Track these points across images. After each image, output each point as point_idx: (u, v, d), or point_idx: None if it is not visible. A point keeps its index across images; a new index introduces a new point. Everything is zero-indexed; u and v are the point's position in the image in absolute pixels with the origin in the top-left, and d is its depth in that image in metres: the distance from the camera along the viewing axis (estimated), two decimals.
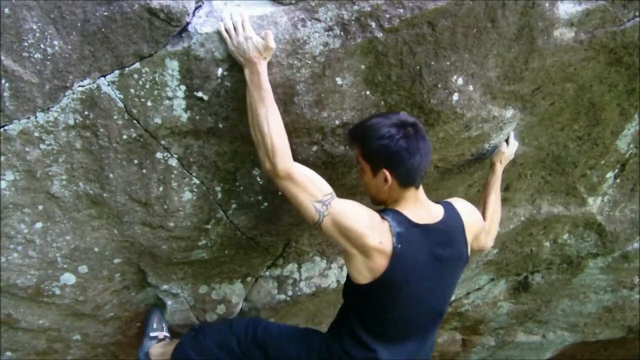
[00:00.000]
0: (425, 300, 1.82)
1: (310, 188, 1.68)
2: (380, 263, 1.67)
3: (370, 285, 1.72)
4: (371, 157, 1.72)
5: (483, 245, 2.20)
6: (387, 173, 1.70)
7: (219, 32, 1.64)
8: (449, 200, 1.95)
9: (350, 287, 1.83)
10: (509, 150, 2.31)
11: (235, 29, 1.61)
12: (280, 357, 1.97)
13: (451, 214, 1.86)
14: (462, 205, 1.94)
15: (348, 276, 1.82)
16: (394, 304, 1.77)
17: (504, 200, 2.91)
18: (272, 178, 1.72)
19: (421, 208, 1.79)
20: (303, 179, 1.68)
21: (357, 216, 1.68)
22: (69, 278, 2.13)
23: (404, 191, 1.75)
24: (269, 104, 1.64)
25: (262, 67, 1.63)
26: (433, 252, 1.77)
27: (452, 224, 1.85)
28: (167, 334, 2.42)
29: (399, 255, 1.67)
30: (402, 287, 1.74)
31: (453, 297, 3.71)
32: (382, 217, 1.72)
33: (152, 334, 2.40)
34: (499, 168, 2.30)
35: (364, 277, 1.72)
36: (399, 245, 1.67)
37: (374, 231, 1.66)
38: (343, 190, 2.15)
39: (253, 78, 1.63)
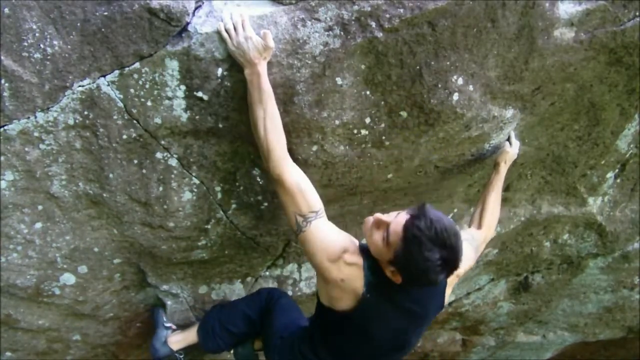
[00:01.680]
0: (385, 344, 1.78)
1: (297, 200, 1.66)
2: (345, 302, 1.65)
3: (332, 312, 1.71)
4: (401, 265, 1.54)
5: (473, 264, 2.15)
6: (400, 277, 1.58)
7: (219, 32, 1.64)
8: None
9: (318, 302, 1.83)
10: (513, 150, 2.30)
11: (235, 29, 1.61)
12: (267, 327, 2.15)
13: None
14: None
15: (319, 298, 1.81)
16: (350, 339, 1.76)
17: (504, 200, 2.91)
18: (269, 176, 1.73)
19: None
20: (293, 188, 1.67)
21: (327, 245, 1.63)
22: (68, 278, 2.12)
23: None
24: (267, 105, 1.64)
25: (262, 68, 1.62)
26: (404, 306, 1.72)
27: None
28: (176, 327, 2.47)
29: (367, 303, 1.64)
30: (363, 328, 1.71)
31: (453, 297, 3.71)
32: (360, 255, 1.66)
33: (167, 324, 2.43)
34: (504, 168, 2.29)
35: (326, 300, 1.73)
36: (368, 295, 1.63)
37: (339, 267, 1.62)
38: (343, 190, 2.15)
39: (253, 79, 1.63)
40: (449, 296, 1.92)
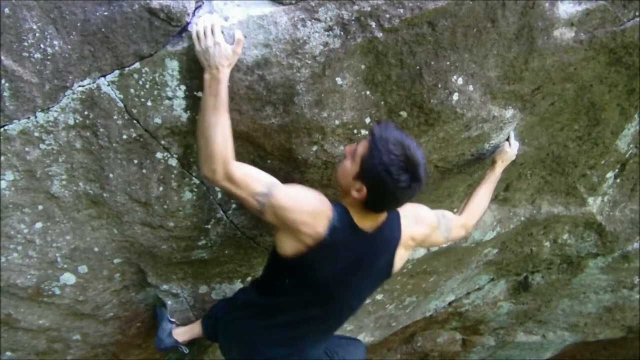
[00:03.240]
0: (334, 294, 1.83)
1: (249, 183, 1.67)
2: (306, 245, 1.69)
3: (288, 260, 1.74)
4: (366, 168, 1.63)
5: (441, 242, 2.19)
6: (365, 191, 1.65)
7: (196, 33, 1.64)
8: (400, 209, 1.87)
9: (272, 253, 1.86)
10: (512, 150, 2.31)
11: (205, 33, 1.61)
12: None
13: (390, 224, 1.84)
14: (408, 215, 1.92)
15: (274, 248, 1.83)
16: (303, 285, 1.80)
17: (504, 200, 2.91)
18: (211, 181, 1.69)
19: (370, 216, 1.76)
20: (242, 176, 1.67)
21: (300, 206, 1.68)
22: (69, 278, 2.13)
23: (364, 207, 1.72)
24: (221, 113, 1.62)
25: (224, 75, 1.61)
26: (355, 255, 1.77)
27: (385, 236, 1.83)
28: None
29: (325, 246, 1.68)
30: (316, 272, 1.75)
31: (453, 297, 3.72)
32: (331, 206, 1.72)
33: (171, 319, 2.46)
34: (500, 167, 2.31)
35: (285, 251, 1.75)
36: (329, 238, 1.68)
37: (314, 219, 1.67)
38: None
39: (212, 84, 1.61)
40: (401, 261, 1.94)
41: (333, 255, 1.73)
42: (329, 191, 2.12)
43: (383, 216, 1.78)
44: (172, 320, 2.46)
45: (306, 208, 1.68)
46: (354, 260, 1.78)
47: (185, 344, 2.43)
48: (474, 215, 2.27)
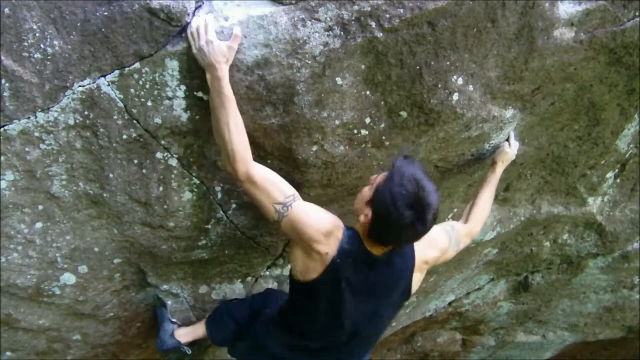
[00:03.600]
0: (347, 321, 1.80)
1: (271, 190, 1.68)
2: (317, 269, 1.69)
3: (301, 284, 1.75)
4: (377, 196, 1.62)
5: (451, 256, 2.15)
6: (370, 217, 1.63)
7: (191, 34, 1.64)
8: None
9: (289, 275, 1.86)
10: (512, 150, 2.31)
11: (198, 33, 1.61)
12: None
13: (405, 251, 1.82)
14: (421, 240, 1.82)
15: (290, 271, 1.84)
16: (315, 312, 1.80)
17: (504, 200, 2.91)
18: (235, 180, 1.71)
19: (378, 245, 1.72)
20: (264, 181, 1.69)
21: (315, 223, 1.68)
22: (69, 278, 2.13)
23: (369, 236, 1.70)
24: (229, 110, 1.63)
25: (222, 72, 1.61)
26: (368, 279, 1.75)
27: (397, 261, 1.80)
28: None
29: (334, 268, 1.68)
30: (325, 298, 1.75)
31: (453, 297, 3.71)
32: (343, 229, 1.72)
33: (172, 319, 2.45)
34: (500, 167, 2.30)
35: (296, 272, 1.76)
36: (338, 260, 1.68)
37: (327, 239, 1.67)
38: (343, 190, 2.15)
39: (213, 83, 1.62)
40: (417, 284, 1.93)
41: (342, 277, 1.71)
42: (329, 191, 2.12)
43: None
44: (174, 320, 2.46)
45: (321, 227, 1.68)
46: (368, 283, 1.76)
47: (187, 345, 2.43)
48: (478, 222, 2.26)
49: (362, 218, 1.65)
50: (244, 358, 2.19)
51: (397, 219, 1.56)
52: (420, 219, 1.56)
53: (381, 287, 1.80)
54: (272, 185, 1.70)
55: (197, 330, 2.42)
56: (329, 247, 1.67)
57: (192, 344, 2.46)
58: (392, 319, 2.03)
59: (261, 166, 1.72)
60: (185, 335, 2.42)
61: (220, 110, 1.63)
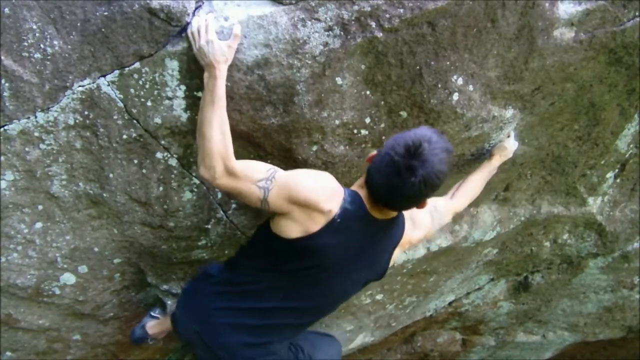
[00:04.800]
0: (327, 283, 1.77)
1: (251, 173, 1.65)
2: (316, 226, 1.65)
3: (290, 241, 1.66)
4: (379, 151, 1.64)
5: (432, 234, 2.13)
6: (371, 157, 1.66)
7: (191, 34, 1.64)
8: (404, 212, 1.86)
9: (265, 234, 1.75)
10: (511, 147, 2.31)
11: (199, 32, 1.61)
12: None
13: (398, 222, 1.83)
14: (410, 218, 1.92)
15: (267, 227, 1.74)
16: (298, 270, 1.73)
17: (504, 200, 2.91)
18: (209, 181, 1.65)
19: (379, 208, 1.72)
20: (244, 169, 1.65)
21: (313, 182, 1.66)
22: (69, 278, 2.13)
23: (369, 194, 1.69)
24: (218, 109, 1.61)
25: (220, 72, 1.61)
26: (363, 245, 1.74)
27: (392, 230, 1.81)
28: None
29: (334, 227, 1.65)
30: (320, 254, 1.69)
31: (453, 297, 3.71)
32: (342, 188, 1.70)
33: (153, 314, 2.45)
34: (497, 160, 2.30)
35: (289, 233, 1.67)
36: (339, 220, 1.65)
37: (327, 196, 1.64)
38: None
39: (209, 82, 1.62)
40: (394, 259, 1.91)
41: (340, 238, 1.68)
42: None
43: (391, 213, 1.75)
44: (154, 315, 2.44)
45: (319, 184, 1.66)
46: (360, 247, 1.75)
47: (157, 338, 2.41)
48: (464, 198, 2.24)
49: (363, 177, 1.68)
50: (177, 322, 2.01)
51: (392, 158, 1.53)
52: (409, 167, 1.51)
53: (370, 250, 1.78)
54: (251, 169, 1.66)
55: (165, 322, 2.37)
56: (330, 204, 1.64)
57: (163, 334, 2.43)
58: (356, 292, 1.98)
59: (239, 160, 1.68)
60: (152, 327, 2.41)
61: (208, 107, 1.61)
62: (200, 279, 1.96)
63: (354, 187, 1.76)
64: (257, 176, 1.65)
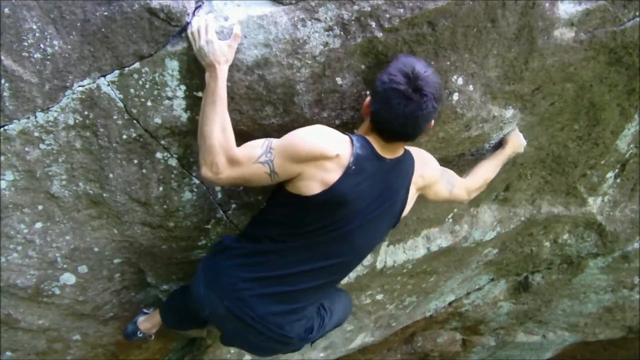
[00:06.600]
0: (352, 235, 1.75)
1: (251, 153, 1.64)
2: (333, 176, 1.64)
3: (311, 198, 1.66)
4: (376, 82, 1.67)
5: (445, 197, 2.11)
6: (368, 103, 1.70)
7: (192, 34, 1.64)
8: (409, 148, 1.89)
9: (286, 200, 1.73)
10: (523, 141, 2.32)
11: (199, 32, 1.61)
12: None
13: (406, 159, 1.84)
14: (419, 156, 1.92)
15: (284, 191, 1.72)
16: (321, 228, 1.71)
17: (504, 200, 2.91)
18: (213, 180, 1.65)
19: (387, 146, 1.75)
20: (244, 153, 1.65)
21: (317, 135, 1.66)
22: (68, 278, 2.13)
23: (375, 130, 1.73)
24: (219, 109, 1.62)
25: (220, 72, 1.61)
26: (381, 187, 1.75)
27: (402, 167, 1.82)
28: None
29: (351, 174, 1.66)
30: (343, 203, 1.68)
31: (453, 297, 3.71)
32: (345, 134, 1.71)
33: (146, 310, 2.46)
34: (509, 150, 2.30)
35: (313, 188, 1.65)
36: (354, 167, 1.66)
37: (337, 145, 1.65)
38: None
39: (210, 82, 1.62)
40: (411, 202, 1.91)
41: (359, 182, 1.68)
42: None
43: (400, 150, 1.78)
44: (146, 311, 2.45)
45: (317, 134, 1.66)
46: (377, 190, 1.74)
47: (147, 332, 2.42)
48: (477, 181, 2.24)
49: (365, 110, 1.71)
50: (199, 302, 1.88)
51: (397, 89, 1.59)
52: (415, 89, 1.59)
53: (387, 192, 1.78)
54: (249, 149, 1.66)
55: (155, 316, 2.40)
56: (339, 149, 1.64)
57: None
58: (381, 239, 1.98)
59: (238, 147, 1.67)
60: (143, 321, 2.42)
61: (210, 108, 1.62)
62: (217, 253, 1.87)
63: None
64: (256, 153, 1.65)
